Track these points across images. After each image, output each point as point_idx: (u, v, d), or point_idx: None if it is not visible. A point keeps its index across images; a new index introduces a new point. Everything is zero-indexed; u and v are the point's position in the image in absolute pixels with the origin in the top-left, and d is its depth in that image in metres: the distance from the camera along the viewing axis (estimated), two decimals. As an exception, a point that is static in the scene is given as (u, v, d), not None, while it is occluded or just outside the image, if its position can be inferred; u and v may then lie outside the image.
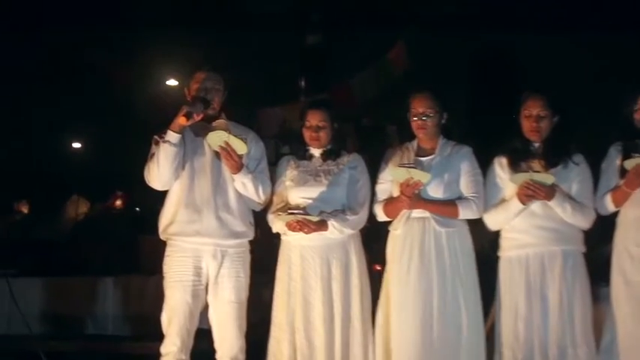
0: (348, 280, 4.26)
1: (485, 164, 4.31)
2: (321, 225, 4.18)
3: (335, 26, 10.04)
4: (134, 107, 9.81)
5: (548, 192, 4.02)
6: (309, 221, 4.14)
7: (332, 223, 4.20)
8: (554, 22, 9.38)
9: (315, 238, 4.21)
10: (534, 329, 4.05)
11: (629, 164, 3.97)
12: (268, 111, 9.33)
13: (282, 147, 7.60)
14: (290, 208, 4.23)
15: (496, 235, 4.28)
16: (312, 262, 4.25)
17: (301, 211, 4.18)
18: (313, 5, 9.79)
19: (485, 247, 4.53)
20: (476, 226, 4.30)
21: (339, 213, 4.25)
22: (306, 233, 4.16)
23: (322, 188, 4.30)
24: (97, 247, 7.89)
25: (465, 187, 4.23)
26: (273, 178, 4.42)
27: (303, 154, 4.45)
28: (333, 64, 10.22)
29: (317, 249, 4.26)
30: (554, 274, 4.07)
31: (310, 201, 4.27)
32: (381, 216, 4.33)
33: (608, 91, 5.30)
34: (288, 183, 4.38)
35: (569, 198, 4.10)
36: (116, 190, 9.69)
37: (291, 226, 4.17)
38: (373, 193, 4.38)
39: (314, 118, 4.36)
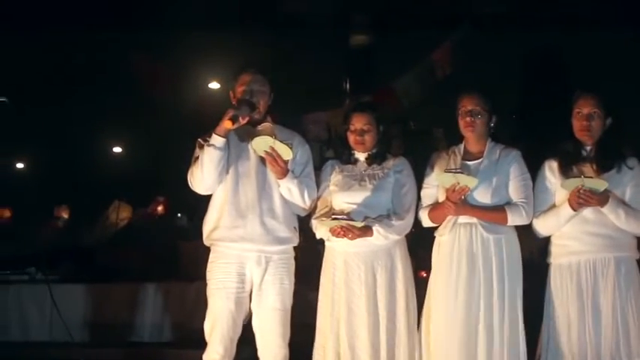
0: (393, 287, 4.28)
1: (534, 168, 4.30)
2: (366, 231, 4.20)
3: (379, 27, 10.05)
4: (177, 111, 9.89)
5: (601, 199, 4.00)
6: (353, 227, 4.16)
7: (377, 228, 4.22)
8: (607, 20, 9.28)
9: (360, 244, 4.23)
10: (587, 339, 4.03)
11: None
12: (313, 116, 9.38)
13: (326, 151, 7.64)
14: (334, 214, 4.25)
15: (546, 241, 4.28)
16: (356, 269, 4.28)
17: (345, 217, 4.20)
18: (358, 5, 9.81)
19: (535, 254, 4.52)
20: (524, 232, 4.30)
21: (384, 218, 4.27)
22: (351, 239, 4.18)
23: (367, 193, 4.32)
24: (138, 253, 7.96)
25: (514, 191, 4.22)
26: (318, 183, 4.44)
27: (347, 158, 4.48)
28: (377, 65, 10.23)
29: (361, 255, 4.28)
30: (607, 282, 4.05)
31: (355, 206, 4.30)
32: (427, 222, 4.34)
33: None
34: (332, 188, 4.41)
35: (623, 204, 4.07)
36: (157, 195, 9.79)
37: (334, 232, 4.19)
38: (419, 198, 4.40)
39: (359, 122, 4.39)
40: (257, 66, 4.36)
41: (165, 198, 9.71)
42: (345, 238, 4.19)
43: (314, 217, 4.39)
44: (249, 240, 4.19)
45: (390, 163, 4.42)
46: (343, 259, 4.31)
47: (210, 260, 4.30)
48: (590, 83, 4.49)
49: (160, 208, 9.73)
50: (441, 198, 4.25)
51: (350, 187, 4.37)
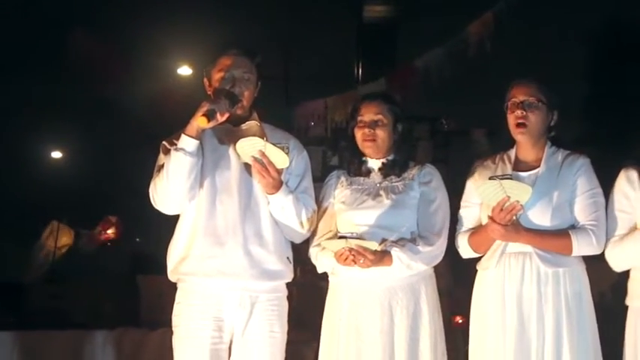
0: (416, 337, 4.27)
1: (606, 180, 4.30)
2: (383, 256, 4.19)
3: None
4: (132, 105, 9.89)
5: None
6: (367, 250, 4.14)
7: (397, 254, 4.21)
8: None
9: (374, 277, 4.24)
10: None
11: None
12: (309, 105, 9.39)
13: (330, 158, 7.66)
14: (341, 234, 4.24)
15: (623, 277, 4.27)
16: (369, 312, 4.28)
17: (356, 235, 4.17)
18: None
19: (607, 294, 4.51)
20: (594, 264, 4.28)
21: (408, 242, 4.26)
22: (363, 267, 4.16)
23: (384, 211, 4.33)
24: (84, 291, 7.96)
25: (581, 211, 4.22)
26: (318, 200, 4.45)
27: (357, 168, 4.49)
28: (396, 45, 10.26)
29: (376, 294, 4.28)
30: None
31: (368, 228, 4.29)
32: (466, 250, 4.35)
33: None
34: (338, 206, 4.42)
35: None
36: (107, 214, 9.78)
37: (342, 258, 4.17)
38: (454, 220, 4.39)
39: (368, 112, 4.41)
40: (241, 46, 4.36)
41: (118, 218, 9.69)
42: (356, 266, 4.16)
43: (313, 244, 4.41)
44: (230, 274, 4.18)
45: (414, 172, 4.43)
46: (352, 299, 4.31)
47: (177, 301, 4.30)
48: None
49: (110, 232, 9.71)
50: (485, 219, 4.23)
51: (361, 203, 4.38)
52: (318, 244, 4.37)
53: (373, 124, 4.39)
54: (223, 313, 4.20)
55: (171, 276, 4.32)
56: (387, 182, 4.42)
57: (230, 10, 9.16)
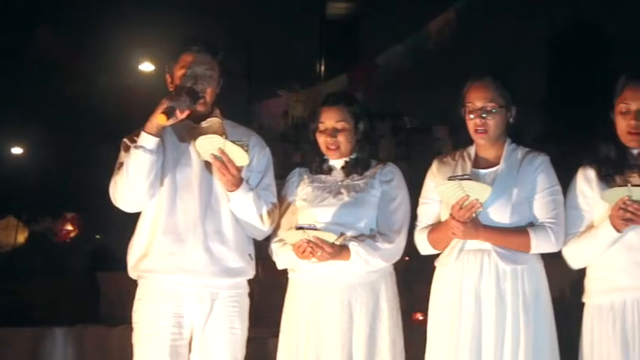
0: (375, 334, 4.29)
1: (565, 178, 4.32)
2: (341, 250, 4.20)
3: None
4: (93, 101, 9.83)
5: None
6: (325, 242, 4.14)
7: (356, 249, 4.22)
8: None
9: (334, 274, 4.25)
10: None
11: None
12: (270, 102, 9.38)
13: (292, 154, 7.66)
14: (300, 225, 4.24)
15: (580, 275, 4.29)
16: (328, 309, 4.28)
17: (313, 226, 4.18)
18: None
19: (566, 291, 4.53)
20: (553, 262, 4.31)
21: (367, 238, 4.28)
22: (321, 260, 4.18)
23: (344, 208, 4.34)
24: (43, 288, 7.93)
25: (540, 209, 4.22)
26: (280, 197, 4.46)
27: (319, 166, 4.50)
28: (358, 42, 10.28)
29: (336, 290, 4.29)
30: (662, 328, 4.07)
31: (327, 225, 4.30)
32: (425, 247, 4.35)
33: None
34: (299, 203, 4.44)
35: (682, 223, 4.09)
36: (65, 210, 9.74)
37: (300, 249, 4.17)
38: (414, 217, 4.40)
39: (329, 118, 4.42)
40: (203, 43, 4.35)
41: (77, 214, 9.67)
42: (314, 259, 4.17)
43: (274, 239, 4.41)
44: (190, 271, 4.18)
45: (375, 171, 4.44)
46: (312, 296, 4.32)
47: (137, 297, 4.29)
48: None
49: (69, 228, 9.68)
50: (445, 216, 4.24)
51: (322, 200, 4.39)
52: (279, 240, 4.38)
53: (335, 132, 4.40)
54: (183, 309, 4.20)
55: (132, 273, 4.31)
56: (348, 180, 4.43)
57: (193, 6, 9.14)
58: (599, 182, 4.19)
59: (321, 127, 4.43)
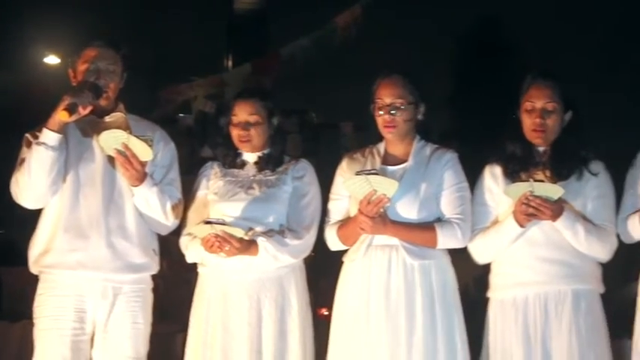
0: (284, 329, 4.29)
1: (472, 175, 4.35)
2: (249, 245, 4.19)
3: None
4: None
5: (555, 209, 4.04)
6: (233, 237, 4.13)
7: (264, 244, 4.21)
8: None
9: (243, 269, 4.24)
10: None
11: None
12: (170, 92, 9.32)
13: (200, 149, 7.60)
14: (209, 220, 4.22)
15: (484, 270, 4.33)
16: (236, 304, 4.27)
17: (222, 220, 4.17)
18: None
19: (471, 286, 4.56)
20: (460, 257, 4.33)
21: (276, 234, 4.27)
22: (229, 255, 4.16)
23: (255, 204, 4.33)
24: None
25: (447, 205, 4.26)
26: (190, 190, 4.45)
27: (232, 160, 4.48)
28: (265, 36, 10.27)
29: (244, 286, 4.28)
30: (562, 322, 4.12)
31: (238, 220, 4.28)
32: (334, 243, 4.35)
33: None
34: (211, 197, 4.42)
35: (583, 219, 4.15)
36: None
37: (208, 243, 4.15)
38: (324, 213, 4.41)
39: (243, 111, 4.40)
40: (107, 37, 4.32)
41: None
42: (222, 254, 4.15)
43: (184, 233, 4.38)
44: (92, 267, 4.14)
45: (288, 166, 4.45)
46: (220, 291, 4.30)
47: (38, 292, 4.24)
48: (545, 62, 4.55)
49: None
50: (354, 212, 4.24)
51: (233, 195, 4.38)
52: (189, 234, 4.35)
53: (248, 125, 4.38)
54: (86, 304, 4.16)
55: (33, 268, 4.26)
56: (261, 175, 4.42)
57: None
58: (505, 179, 4.25)
59: (235, 119, 4.41)
